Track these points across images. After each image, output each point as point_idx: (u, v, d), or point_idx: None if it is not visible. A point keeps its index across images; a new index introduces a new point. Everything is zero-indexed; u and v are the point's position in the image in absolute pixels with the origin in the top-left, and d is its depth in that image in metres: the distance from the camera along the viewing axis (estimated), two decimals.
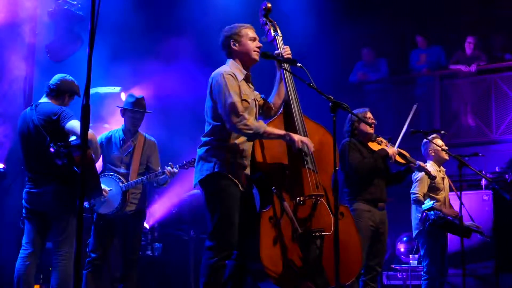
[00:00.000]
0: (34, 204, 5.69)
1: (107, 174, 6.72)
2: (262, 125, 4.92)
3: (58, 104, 5.80)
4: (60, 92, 5.82)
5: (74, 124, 5.51)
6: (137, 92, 7.86)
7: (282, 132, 4.99)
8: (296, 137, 4.95)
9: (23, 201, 5.79)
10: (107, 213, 6.64)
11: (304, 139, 4.99)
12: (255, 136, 4.93)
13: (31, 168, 5.76)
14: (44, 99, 5.85)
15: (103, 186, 6.56)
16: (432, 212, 7.17)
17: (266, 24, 5.43)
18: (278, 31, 5.40)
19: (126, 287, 6.68)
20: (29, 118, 5.73)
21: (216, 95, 4.94)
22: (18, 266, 5.65)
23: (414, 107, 6.90)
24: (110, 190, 6.60)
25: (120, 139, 6.84)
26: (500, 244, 9.51)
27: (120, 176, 6.72)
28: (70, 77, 5.91)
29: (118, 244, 6.87)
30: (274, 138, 5.01)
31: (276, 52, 5.27)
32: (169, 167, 6.83)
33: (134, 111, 6.83)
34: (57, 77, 5.87)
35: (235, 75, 4.99)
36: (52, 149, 5.48)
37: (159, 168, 6.86)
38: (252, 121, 4.88)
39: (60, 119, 5.59)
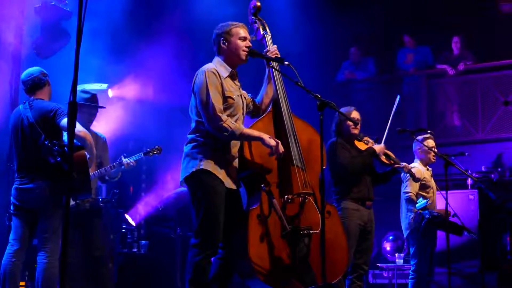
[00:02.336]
0: (23, 200, 5.65)
1: None
2: (239, 127, 4.91)
3: (48, 95, 5.81)
4: (38, 83, 5.81)
5: None
6: (126, 88, 7.84)
7: (259, 134, 4.96)
8: (273, 142, 4.92)
9: (11, 197, 5.75)
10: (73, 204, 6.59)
11: (281, 148, 4.93)
12: (231, 137, 4.93)
13: (22, 165, 5.73)
14: (34, 96, 5.82)
15: None
16: (427, 211, 7.18)
17: (255, 22, 5.45)
18: (267, 29, 5.42)
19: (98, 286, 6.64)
20: (23, 115, 5.70)
21: (197, 92, 4.96)
22: (5, 263, 5.61)
23: (398, 98, 6.90)
24: None
25: None
26: (485, 244, 9.56)
27: None
28: (32, 68, 5.90)
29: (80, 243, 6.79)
30: (251, 140, 5.02)
31: (265, 50, 5.28)
32: (125, 159, 6.83)
33: (91, 107, 6.84)
34: (25, 74, 5.86)
35: (218, 72, 4.99)
36: (46, 146, 5.46)
37: (109, 163, 6.87)
38: (229, 123, 4.86)
39: (56, 116, 5.58)
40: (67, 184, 3.44)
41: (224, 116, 4.86)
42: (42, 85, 5.82)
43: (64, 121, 5.52)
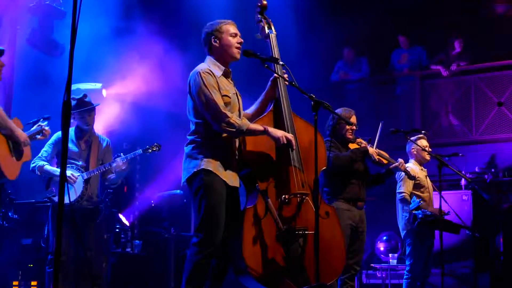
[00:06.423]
0: None
1: (68, 166, 6.64)
2: (245, 123, 4.91)
3: None
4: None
5: None
6: (118, 87, 7.81)
7: (264, 127, 4.95)
8: (279, 133, 4.94)
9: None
10: (68, 202, 6.56)
11: (288, 135, 4.98)
12: (239, 133, 4.92)
13: None
14: None
15: (71, 172, 6.56)
16: (419, 211, 7.19)
17: (261, 21, 5.44)
18: (273, 28, 5.41)
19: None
20: None
21: (195, 94, 4.93)
22: None
23: (381, 124, 6.85)
24: (79, 175, 6.62)
25: (76, 135, 6.82)
26: (479, 244, 9.58)
27: (79, 167, 6.72)
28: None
29: (73, 241, 6.76)
30: (257, 135, 5.00)
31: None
32: (118, 158, 6.84)
33: (81, 112, 6.82)
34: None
35: (212, 72, 4.96)
36: None
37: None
38: (235, 119, 4.85)
39: None
40: (62, 183, 3.38)
41: (229, 113, 4.86)
42: None
43: None
